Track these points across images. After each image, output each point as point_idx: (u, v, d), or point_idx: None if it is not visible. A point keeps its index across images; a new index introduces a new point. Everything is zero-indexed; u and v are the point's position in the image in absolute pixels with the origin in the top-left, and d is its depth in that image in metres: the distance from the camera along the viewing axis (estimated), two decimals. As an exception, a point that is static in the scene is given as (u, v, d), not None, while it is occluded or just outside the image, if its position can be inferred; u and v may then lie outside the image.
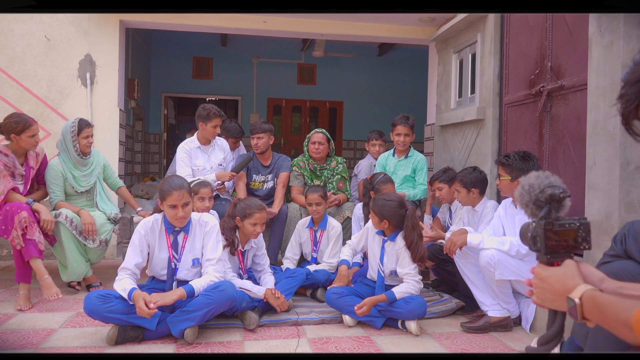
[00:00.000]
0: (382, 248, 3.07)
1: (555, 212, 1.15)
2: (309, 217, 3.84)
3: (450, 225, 3.71)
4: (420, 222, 3.15)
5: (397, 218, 2.96)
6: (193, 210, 3.29)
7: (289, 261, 3.79)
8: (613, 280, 1.18)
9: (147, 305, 2.48)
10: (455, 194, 3.44)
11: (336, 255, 3.67)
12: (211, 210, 3.62)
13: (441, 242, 3.30)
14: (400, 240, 2.97)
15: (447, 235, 3.12)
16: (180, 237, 2.85)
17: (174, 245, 2.84)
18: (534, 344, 2.17)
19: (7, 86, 4.73)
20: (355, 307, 2.83)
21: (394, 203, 2.98)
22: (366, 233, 3.24)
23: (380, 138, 4.85)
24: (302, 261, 3.92)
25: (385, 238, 3.05)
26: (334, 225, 3.78)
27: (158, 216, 2.87)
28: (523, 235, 1.21)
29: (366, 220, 3.82)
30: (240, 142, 5.11)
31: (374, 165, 4.82)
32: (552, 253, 1.14)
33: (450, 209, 3.77)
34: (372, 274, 3.18)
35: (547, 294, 1.13)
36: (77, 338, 2.69)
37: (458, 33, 5.02)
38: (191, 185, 3.40)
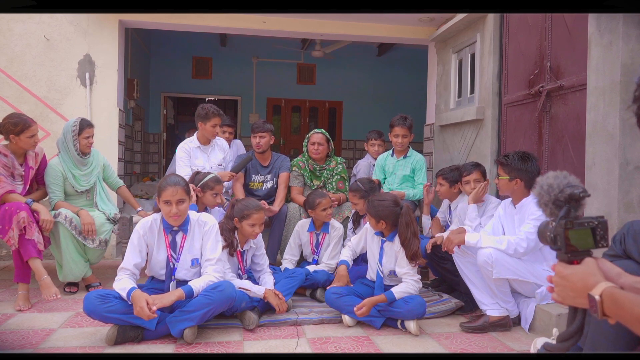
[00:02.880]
0: (381, 248, 3.07)
1: (574, 212, 1.17)
2: (309, 219, 3.82)
3: (450, 223, 3.70)
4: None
5: (393, 217, 2.97)
6: (204, 204, 3.34)
7: (287, 262, 3.78)
8: (630, 275, 1.21)
9: (148, 307, 2.48)
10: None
11: (335, 257, 3.66)
12: (217, 207, 3.66)
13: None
14: (398, 240, 2.97)
15: (446, 234, 3.12)
16: (178, 237, 2.85)
17: (173, 245, 2.84)
18: (552, 340, 2.18)
19: (6, 86, 4.73)
20: (355, 308, 2.83)
21: (388, 202, 2.99)
22: (365, 234, 3.24)
23: (379, 138, 4.84)
24: (302, 261, 3.92)
25: (384, 239, 3.06)
26: (336, 227, 3.76)
27: (157, 216, 2.87)
28: (541, 234, 1.23)
29: (354, 226, 3.83)
30: (239, 140, 5.11)
31: (373, 165, 4.81)
32: (572, 251, 1.16)
33: (450, 207, 3.76)
34: (371, 274, 3.18)
35: (568, 292, 1.16)
36: (77, 338, 2.69)
37: (457, 33, 5.03)
38: (205, 179, 3.46)
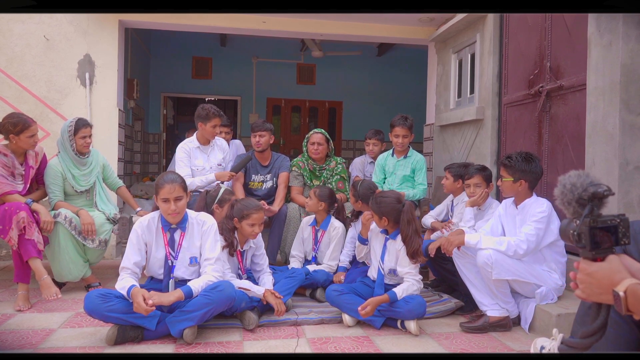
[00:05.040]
0: (384, 246, 3.07)
1: (596, 210, 1.20)
2: (313, 215, 3.83)
3: (451, 217, 3.67)
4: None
5: (396, 214, 2.97)
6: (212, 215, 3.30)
7: (295, 259, 3.78)
8: None
9: (145, 302, 2.48)
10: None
11: (336, 258, 3.68)
12: None
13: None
14: (400, 239, 2.98)
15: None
16: (177, 235, 2.84)
17: (171, 243, 2.83)
18: (553, 340, 2.18)
19: (6, 86, 4.73)
20: (359, 308, 2.81)
21: (391, 199, 3.00)
22: (370, 231, 3.25)
23: (374, 137, 4.82)
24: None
25: (388, 236, 3.06)
26: (335, 226, 3.75)
27: (155, 214, 2.86)
28: (564, 232, 1.25)
29: (352, 219, 3.83)
30: (238, 140, 5.11)
31: (368, 163, 4.82)
32: (597, 249, 1.19)
33: (452, 202, 3.74)
34: (372, 272, 3.18)
35: (593, 289, 1.19)
36: (76, 338, 2.69)
37: (457, 33, 5.03)
38: (220, 194, 3.41)
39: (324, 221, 3.74)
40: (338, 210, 3.77)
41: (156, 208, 2.91)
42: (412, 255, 2.92)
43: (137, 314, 2.56)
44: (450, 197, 3.80)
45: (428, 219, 3.85)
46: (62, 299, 3.39)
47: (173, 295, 2.62)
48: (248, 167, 4.33)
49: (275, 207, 4.07)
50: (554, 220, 2.88)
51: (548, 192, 3.52)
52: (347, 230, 3.77)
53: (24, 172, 3.59)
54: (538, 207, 2.86)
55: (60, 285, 3.61)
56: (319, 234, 3.76)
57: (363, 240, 3.27)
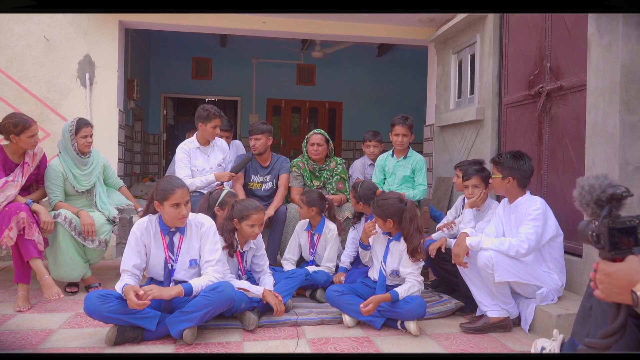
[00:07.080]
0: (387, 247, 3.07)
1: (615, 211, 1.22)
2: (307, 220, 3.81)
3: (462, 214, 3.62)
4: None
5: (399, 213, 2.97)
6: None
7: (287, 262, 3.78)
8: None
9: (137, 296, 2.48)
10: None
11: (333, 259, 3.68)
12: None
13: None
14: (404, 241, 2.98)
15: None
16: (175, 238, 2.83)
17: (170, 246, 2.82)
18: (553, 341, 2.18)
19: (6, 86, 4.73)
20: (361, 305, 2.81)
21: (392, 200, 3.00)
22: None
23: (373, 138, 4.80)
24: (301, 262, 3.92)
25: (391, 238, 3.06)
26: (330, 228, 3.74)
27: (152, 217, 2.85)
28: (582, 233, 1.26)
29: (353, 221, 3.80)
30: (238, 141, 5.11)
31: (368, 165, 4.81)
32: (616, 250, 1.20)
33: (463, 200, 3.69)
34: (373, 273, 3.18)
35: (613, 289, 1.20)
36: (76, 338, 2.69)
37: (457, 34, 5.03)
38: (222, 196, 3.40)
39: (318, 224, 3.73)
40: (328, 209, 3.75)
41: (152, 209, 2.83)
42: (412, 252, 2.92)
43: (137, 315, 2.57)
44: (461, 197, 3.76)
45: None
46: (63, 299, 3.39)
47: (174, 289, 2.62)
48: (248, 167, 4.32)
49: (271, 210, 4.00)
50: (550, 216, 2.91)
51: (548, 192, 3.52)
52: (341, 230, 3.76)
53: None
54: (532, 204, 2.87)
55: (75, 286, 3.63)
56: (315, 238, 3.76)
57: (365, 246, 3.25)
